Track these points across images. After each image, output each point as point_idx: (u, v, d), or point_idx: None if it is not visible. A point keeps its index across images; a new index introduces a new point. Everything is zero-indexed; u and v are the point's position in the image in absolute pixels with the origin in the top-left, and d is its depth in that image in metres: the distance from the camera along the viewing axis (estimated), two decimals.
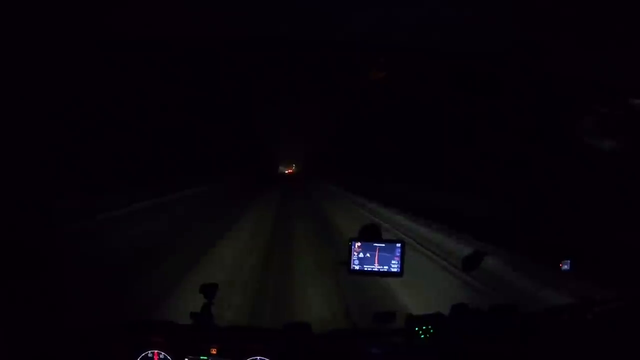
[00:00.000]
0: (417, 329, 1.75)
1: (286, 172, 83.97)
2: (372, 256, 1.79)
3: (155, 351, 1.63)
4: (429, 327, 1.76)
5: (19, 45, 1.47)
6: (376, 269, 1.80)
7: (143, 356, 1.63)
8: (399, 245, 1.81)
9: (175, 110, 21.92)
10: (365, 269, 1.80)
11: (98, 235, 8.25)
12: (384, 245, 1.80)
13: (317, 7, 2.11)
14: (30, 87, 1.61)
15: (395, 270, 1.80)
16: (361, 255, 1.79)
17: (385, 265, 1.79)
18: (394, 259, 1.79)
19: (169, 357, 1.64)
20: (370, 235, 1.84)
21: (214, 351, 1.64)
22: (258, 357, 1.62)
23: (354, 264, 1.80)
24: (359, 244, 1.80)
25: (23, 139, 1.58)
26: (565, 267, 2.07)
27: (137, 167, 16.29)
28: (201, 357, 1.65)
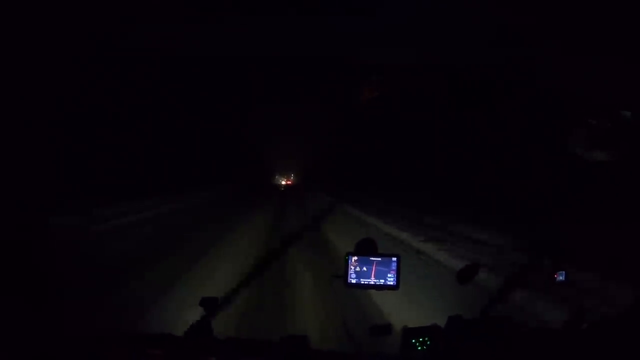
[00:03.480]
0: (413, 340, 1.78)
1: (283, 182, 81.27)
2: (369, 270, 1.82)
3: None
4: (426, 338, 1.78)
5: (23, 47, 1.50)
6: (372, 283, 1.83)
7: None
8: (394, 259, 1.84)
9: (169, 114, 21.36)
10: (362, 282, 1.83)
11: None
12: (380, 259, 1.83)
13: (317, 27, 2.16)
14: (31, 90, 1.64)
15: (391, 283, 1.83)
16: (358, 269, 1.82)
17: (382, 279, 1.82)
18: (390, 273, 1.82)
19: None
20: (366, 249, 1.87)
21: None
22: None
23: (350, 277, 1.83)
24: (355, 258, 1.83)
25: (24, 142, 1.60)
26: (560, 278, 2.09)
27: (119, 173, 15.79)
28: None
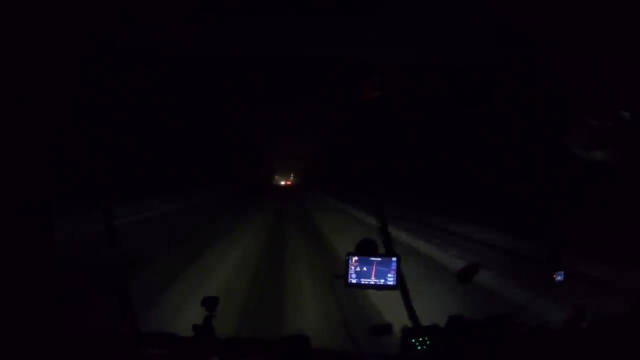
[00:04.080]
0: (413, 340, 1.78)
1: (282, 183, 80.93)
2: (369, 270, 1.82)
3: None
4: (425, 338, 1.79)
5: (24, 47, 1.50)
6: (373, 283, 1.83)
7: None
8: (394, 259, 1.84)
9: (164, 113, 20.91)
10: (362, 282, 1.83)
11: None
12: (380, 259, 1.84)
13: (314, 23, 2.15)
14: (32, 91, 1.63)
15: (391, 283, 1.83)
16: (358, 269, 1.83)
17: (382, 279, 1.83)
18: (390, 273, 1.83)
19: None
20: (366, 249, 1.87)
21: None
22: None
23: (351, 277, 1.83)
24: (355, 258, 1.83)
25: (26, 143, 1.60)
26: (559, 278, 2.10)
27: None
28: None
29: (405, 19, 2.20)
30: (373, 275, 1.83)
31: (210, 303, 1.85)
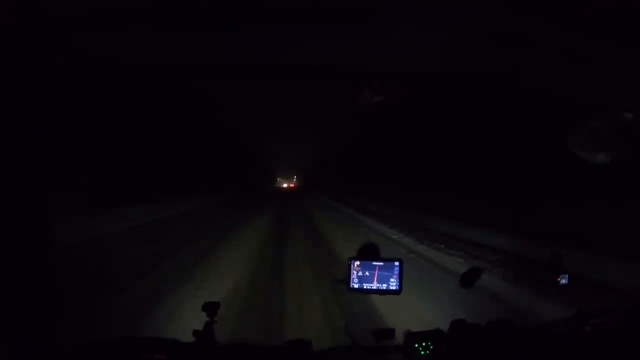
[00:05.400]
0: (416, 345, 1.77)
1: (285, 185, 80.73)
2: (371, 275, 1.81)
3: None
4: (429, 343, 1.78)
5: (26, 49, 1.51)
6: (375, 287, 1.82)
7: None
8: (397, 263, 1.83)
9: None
10: (365, 287, 1.82)
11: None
12: (382, 264, 1.83)
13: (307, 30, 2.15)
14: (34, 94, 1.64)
15: (393, 288, 1.82)
16: (360, 273, 1.82)
17: (384, 284, 1.82)
18: (392, 277, 1.82)
19: None
20: (369, 254, 1.87)
21: None
22: None
23: (353, 282, 1.82)
24: (358, 262, 1.83)
25: (28, 145, 1.60)
26: (563, 281, 2.09)
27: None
28: None
29: (404, 23, 2.20)
30: (375, 280, 1.82)
31: (210, 308, 1.84)
